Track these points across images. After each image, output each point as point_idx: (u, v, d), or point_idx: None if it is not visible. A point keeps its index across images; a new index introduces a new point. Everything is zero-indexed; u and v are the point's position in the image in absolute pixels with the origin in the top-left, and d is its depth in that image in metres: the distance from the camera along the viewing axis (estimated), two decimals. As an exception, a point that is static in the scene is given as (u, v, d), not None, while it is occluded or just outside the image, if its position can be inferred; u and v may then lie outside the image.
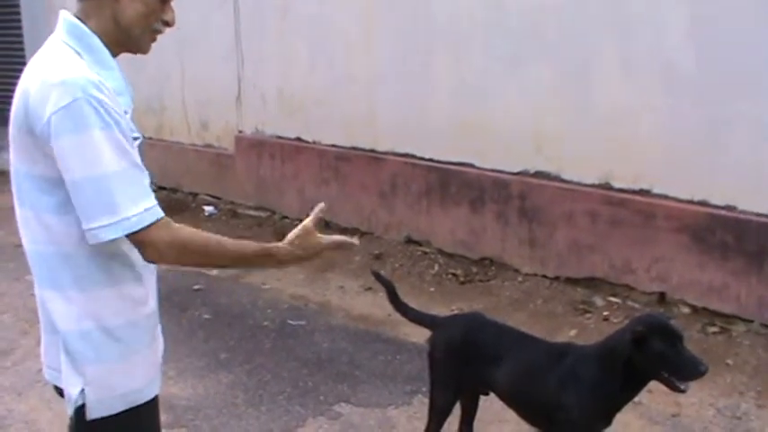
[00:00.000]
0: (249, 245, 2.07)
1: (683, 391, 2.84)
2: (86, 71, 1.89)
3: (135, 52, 2.11)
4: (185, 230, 1.97)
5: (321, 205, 2.19)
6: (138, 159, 2.06)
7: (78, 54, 1.95)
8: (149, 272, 2.16)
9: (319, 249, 2.15)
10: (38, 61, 1.97)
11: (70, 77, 1.85)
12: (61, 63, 1.91)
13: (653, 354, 2.82)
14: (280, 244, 2.10)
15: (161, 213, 1.92)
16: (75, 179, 1.86)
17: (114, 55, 2.04)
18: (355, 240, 2.25)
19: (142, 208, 1.88)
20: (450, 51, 6.40)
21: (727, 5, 4.92)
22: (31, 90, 1.90)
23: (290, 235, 2.11)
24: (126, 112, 2.01)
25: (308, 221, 2.15)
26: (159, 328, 2.27)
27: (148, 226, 1.89)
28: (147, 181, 1.95)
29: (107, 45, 2.01)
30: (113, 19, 2.00)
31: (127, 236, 1.89)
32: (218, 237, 2.02)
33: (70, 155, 1.84)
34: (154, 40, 2.11)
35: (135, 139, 2.06)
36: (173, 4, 2.10)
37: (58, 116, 1.82)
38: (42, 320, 2.13)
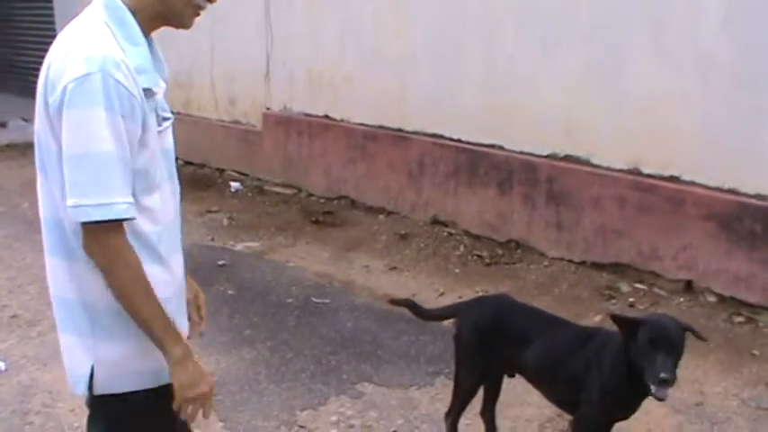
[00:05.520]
0: (168, 315, 1.99)
1: (658, 398, 2.75)
2: (111, 48, 1.86)
3: (177, 27, 2.06)
4: (131, 250, 1.90)
5: None
6: (165, 143, 2.05)
7: (108, 27, 1.92)
8: (174, 253, 2.11)
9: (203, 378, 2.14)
10: (67, 33, 1.95)
11: (92, 52, 1.83)
12: (87, 36, 1.88)
13: (636, 349, 2.81)
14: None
15: (123, 215, 1.85)
16: (67, 153, 1.83)
17: (151, 30, 2.01)
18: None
19: (106, 200, 1.82)
20: (482, 32, 6.35)
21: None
22: (54, 61, 1.88)
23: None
24: (150, 90, 1.95)
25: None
26: (184, 311, 2.24)
27: (99, 222, 1.83)
28: (128, 176, 1.87)
29: (143, 20, 1.97)
30: None
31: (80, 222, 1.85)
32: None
33: (69, 128, 1.81)
34: (197, 14, 2.06)
35: (166, 119, 2.04)
36: None
37: (73, 85, 1.80)
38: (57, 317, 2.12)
